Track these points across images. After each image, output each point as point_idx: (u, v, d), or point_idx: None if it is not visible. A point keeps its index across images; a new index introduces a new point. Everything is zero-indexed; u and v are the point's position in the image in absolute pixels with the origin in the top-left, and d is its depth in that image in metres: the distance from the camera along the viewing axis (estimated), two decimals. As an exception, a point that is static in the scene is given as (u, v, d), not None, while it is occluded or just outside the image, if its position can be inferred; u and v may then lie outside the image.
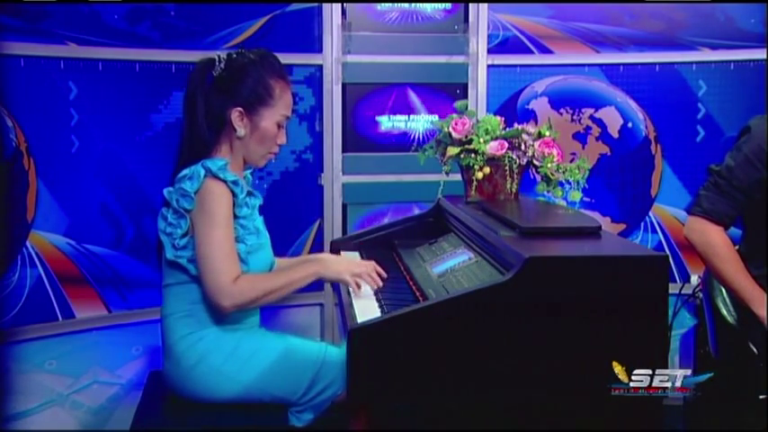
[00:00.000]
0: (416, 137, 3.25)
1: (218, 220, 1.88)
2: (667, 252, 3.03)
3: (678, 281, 3.05)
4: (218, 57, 2.01)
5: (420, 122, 3.26)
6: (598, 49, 3.20)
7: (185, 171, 1.92)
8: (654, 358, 1.67)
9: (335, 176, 3.19)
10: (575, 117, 3.23)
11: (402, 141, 3.25)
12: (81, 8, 2.75)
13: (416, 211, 3.17)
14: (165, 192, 1.95)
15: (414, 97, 3.26)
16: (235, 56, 2.01)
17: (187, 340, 1.94)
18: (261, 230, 2.03)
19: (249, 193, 2.01)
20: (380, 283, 2.01)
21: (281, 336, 2.07)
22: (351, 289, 2.01)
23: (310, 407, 1.96)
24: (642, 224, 3.25)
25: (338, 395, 1.95)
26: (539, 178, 2.43)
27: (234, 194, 1.92)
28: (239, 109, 1.97)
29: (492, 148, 2.35)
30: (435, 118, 3.20)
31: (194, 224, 1.91)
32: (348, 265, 2.04)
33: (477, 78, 3.21)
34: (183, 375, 1.94)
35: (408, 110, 3.26)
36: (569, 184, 2.43)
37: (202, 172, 1.89)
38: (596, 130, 3.23)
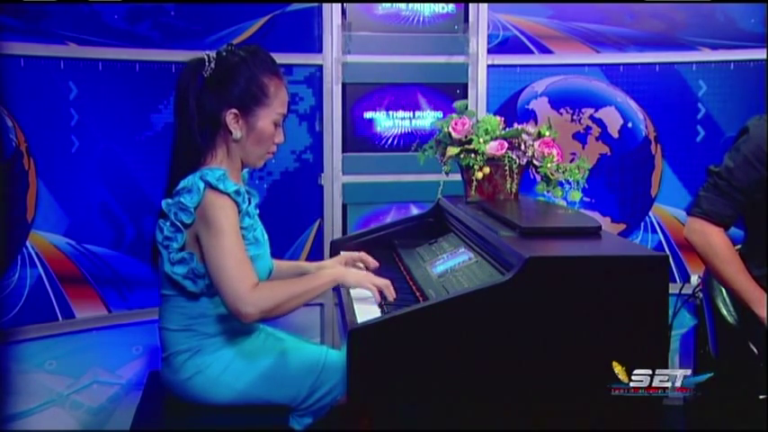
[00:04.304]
0: (422, 134, 3.24)
1: (226, 229, 1.81)
2: (667, 252, 3.03)
3: (678, 281, 3.05)
4: (208, 56, 1.93)
5: (427, 120, 3.25)
6: (598, 49, 3.21)
7: (183, 183, 1.86)
8: (654, 358, 1.67)
9: (335, 176, 3.19)
10: (575, 117, 3.23)
11: (403, 141, 3.25)
12: (81, 8, 2.75)
13: (414, 211, 3.18)
14: (163, 204, 1.89)
15: (418, 95, 3.27)
16: (225, 54, 1.94)
17: (186, 353, 1.93)
18: (260, 240, 1.98)
19: (249, 198, 1.97)
20: (394, 295, 1.93)
21: (282, 340, 2.06)
22: (350, 290, 1.99)
23: (310, 412, 1.96)
24: (642, 224, 3.25)
25: (338, 399, 1.95)
26: (539, 178, 2.43)
27: (237, 204, 1.86)
28: (234, 110, 1.91)
29: (492, 148, 2.35)
30: (440, 114, 3.20)
31: (200, 239, 1.84)
32: (366, 274, 1.99)
33: (477, 78, 3.22)
34: (181, 383, 1.94)
35: (413, 107, 3.26)
36: (569, 184, 2.43)
37: (202, 185, 1.82)
38: (596, 130, 3.23)
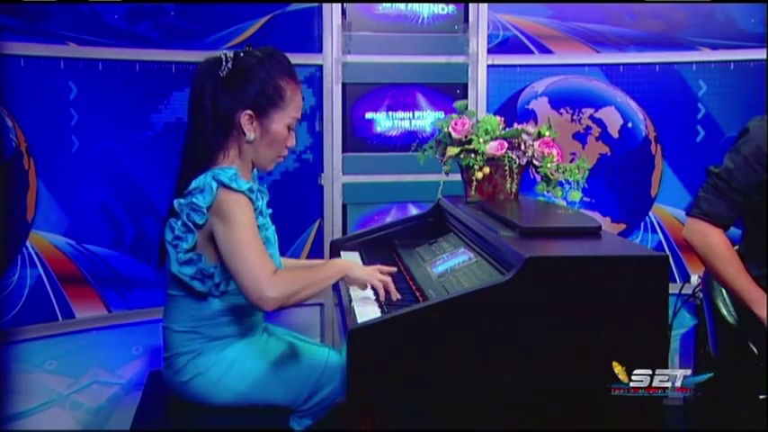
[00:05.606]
0: (422, 134, 3.24)
1: (243, 221, 1.80)
2: (667, 252, 3.03)
3: (678, 281, 3.05)
4: (225, 56, 1.91)
5: (427, 120, 3.26)
6: (598, 49, 3.21)
7: (196, 183, 1.84)
8: (654, 358, 1.67)
9: (335, 176, 3.19)
10: (575, 117, 3.23)
11: (402, 141, 3.25)
12: (81, 8, 2.75)
13: (414, 211, 3.18)
14: (175, 203, 1.88)
15: (418, 94, 3.27)
16: (242, 55, 1.93)
17: (188, 355, 1.93)
18: (271, 240, 1.97)
19: (261, 196, 1.97)
20: (398, 296, 1.93)
21: (284, 342, 2.05)
22: (352, 290, 1.99)
23: (310, 414, 1.96)
24: (642, 224, 3.25)
25: (337, 401, 1.95)
26: (539, 178, 2.43)
27: (251, 201, 1.85)
28: (249, 112, 1.90)
29: (492, 148, 2.35)
30: (441, 114, 3.21)
31: (216, 236, 1.82)
32: (371, 269, 1.98)
33: (477, 78, 3.22)
34: (182, 385, 1.94)
35: (413, 107, 3.27)
36: (569, 184, 2.43)
37: (215, 185, 1.82)
38: (596, 130, 3.23)
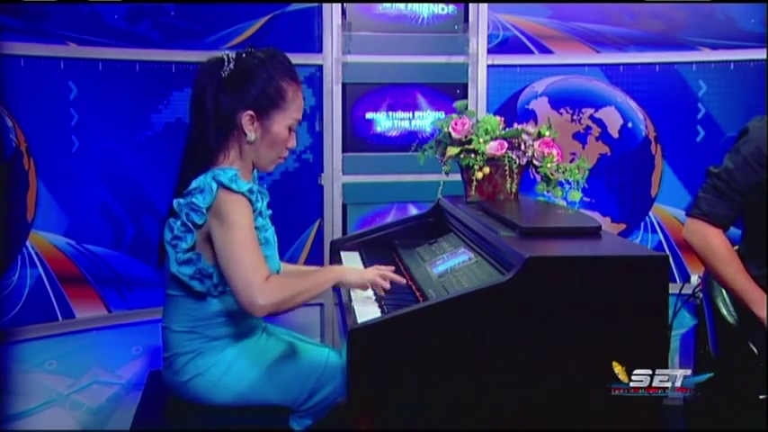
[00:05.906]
0: (422, 135, 3.24)
1: (240, 223, 1.80)
2: (667, 252, 3.03)
3: (678, 281, 3.05)
4: (227, 56, 1.92)
5: (427, 120, 3.26)
6: (598, 49, 3.21)
7: (196, 183, 1.85)
8: (654, 358, 1.67)
9: (335, 176, 3.19)
10: (575, 117, 3.23)
11: (402, 141, 3.25)
12: (81, 8, 2.75)
13: (413, 211, 3.18)
14: (174, 203, 1.89)
15: (418, 95, 3.27)
16: (244, 55, 1.93)
17: (187, 355, 1.93)
18: (270, 241, 1.98)
19: (261, 197, 1.97)
20: (403, 281, 1.98)
21: (283, 342, 2.05)
22: (352, 290, 1.99)
23: (310, 414, 1.96)
24: (642, 224, 3.25)
25: (337, 401, 1.95)
26: (539, 178, 2.43)
27: (251, 202, 1.86)
28: (250, 112, 1.90)
29: (492, 148, 2.35)
30: (441, 115, 3.21)
31: (213, 236, 1.83)
32: (365, 271, 1.99)
33: (477, 78, 3.22)
34: (182, 385, 1.94)
35: (413, 107, 3.27)
36: (569, 184, 2.43)
37: (215, 185, 1.82)
38: (596, 130, 3.23)
